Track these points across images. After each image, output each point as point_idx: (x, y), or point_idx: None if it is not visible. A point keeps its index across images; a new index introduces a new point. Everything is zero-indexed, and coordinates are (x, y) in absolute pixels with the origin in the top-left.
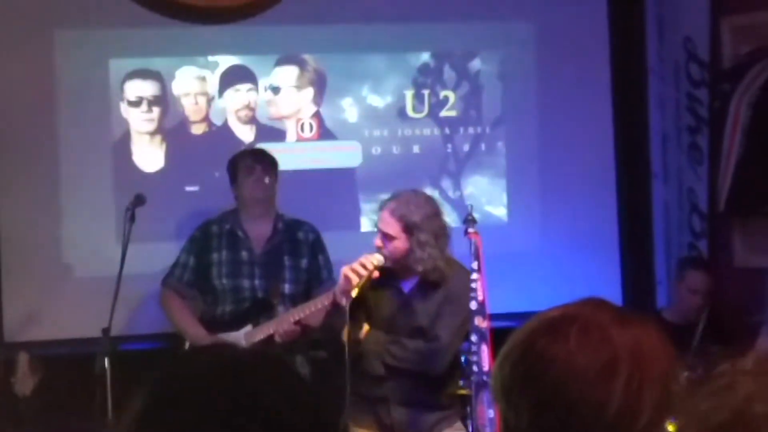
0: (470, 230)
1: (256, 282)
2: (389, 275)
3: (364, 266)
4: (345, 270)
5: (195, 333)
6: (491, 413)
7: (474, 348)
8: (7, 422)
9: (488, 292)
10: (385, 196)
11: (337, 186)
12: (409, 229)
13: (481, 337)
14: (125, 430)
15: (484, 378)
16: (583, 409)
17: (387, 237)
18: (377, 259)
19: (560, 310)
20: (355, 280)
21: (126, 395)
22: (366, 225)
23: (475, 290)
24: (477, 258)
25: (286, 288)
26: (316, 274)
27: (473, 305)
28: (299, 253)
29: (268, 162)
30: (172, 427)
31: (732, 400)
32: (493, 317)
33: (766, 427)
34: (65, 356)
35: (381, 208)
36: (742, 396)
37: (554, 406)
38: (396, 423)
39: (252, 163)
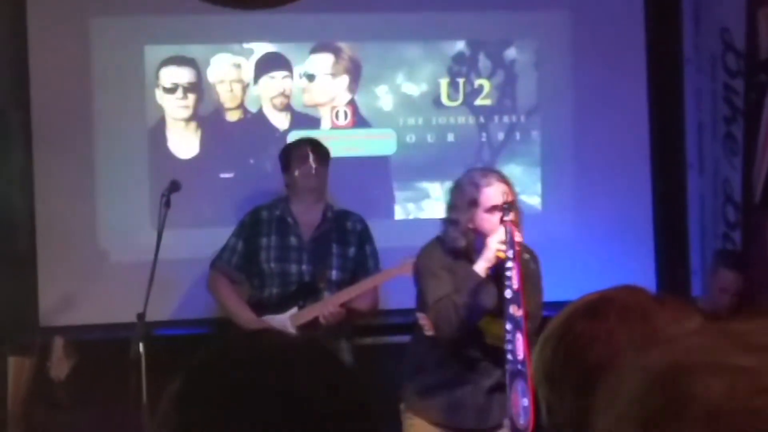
0: (505, 218)
1: (304, 267)
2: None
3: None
4: (498, 245)
5: (243, 315)
6: (525, 402)
7: (509, 336)
8: (42, 406)
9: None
10: (419, 185)
11: (371, 174)
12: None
13: (516, 326)
14: (161, 410)
15: (519, 367)
16: None
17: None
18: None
19: (598, 294)
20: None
21: (161, 380)
22: (400, 213)
23: (510, 278)
24: (512, 246)
25: (333, 275)
26: (363, 264)
27: (508, 293)
28: (347, 241)
29: (322, 152)
30: (209, 412)
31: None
32: None
33: None
34: (100, 341)
35: (483, 185)
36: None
37: (597, 386)
38: (480, 406)
39: (307, 153)
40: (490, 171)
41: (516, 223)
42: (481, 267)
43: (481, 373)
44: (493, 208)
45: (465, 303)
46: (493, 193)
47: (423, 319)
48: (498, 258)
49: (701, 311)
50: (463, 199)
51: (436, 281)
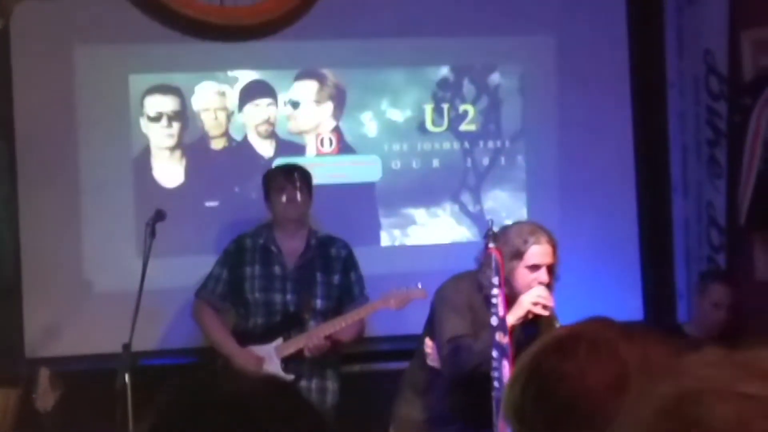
0: (491, 245)
1: (288, 297)
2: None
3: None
4: (530, 305)
5: (227, 345)
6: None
7: (495, 364)
8: None
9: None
10: (405, 211)
11: (356, 200)
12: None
13: (502, 353)
14: None
15: None
16: (597, 425)
17: (550, 269)
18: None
19: (566, 329)
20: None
21: (147, 410)
22: (386, 239)
23: (495, 305)
24: (497, 273)
25: (318, 303)
26: (348, 291)
27: (494, 321)
28: (331, 269)
29: (301, 179)
30: None
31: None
32: None
33: None
34: (86, 371)
35: (532, 242)
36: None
37: (567, 423)
38: None
39: (283, 182)
40: (541, 229)
41: (550, 288)
42: (508, 322)
43: (476, 414)
44: (534, 267)
45: (481, 351)
46: (539, 252)
47: (429, 348)
48: (527, 316)
49: (686, 338)
50: (506, 249)
51: (458, 318)
